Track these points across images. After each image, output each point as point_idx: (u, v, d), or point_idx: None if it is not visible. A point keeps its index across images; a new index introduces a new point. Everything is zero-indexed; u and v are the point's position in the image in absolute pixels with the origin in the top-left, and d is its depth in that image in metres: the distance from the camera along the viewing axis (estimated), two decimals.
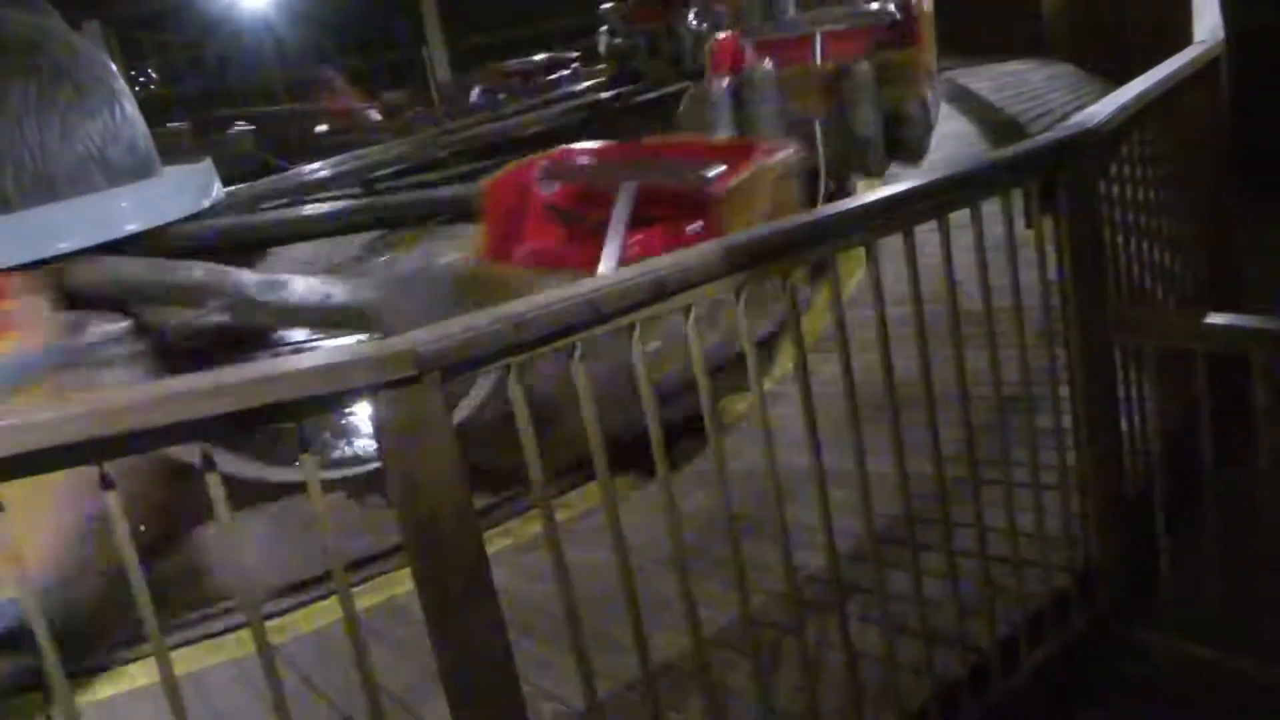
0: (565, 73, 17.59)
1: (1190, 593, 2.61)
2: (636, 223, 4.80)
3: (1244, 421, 2.48)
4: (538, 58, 18.52)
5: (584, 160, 5.80)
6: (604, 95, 13.22)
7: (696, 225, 4.73)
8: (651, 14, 14.06)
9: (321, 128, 17.69)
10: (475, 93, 17.80)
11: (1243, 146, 4.49)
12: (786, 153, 5.19)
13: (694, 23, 12.67)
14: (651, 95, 12.21)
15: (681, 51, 13.03)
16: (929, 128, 8.30)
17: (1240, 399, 2.49)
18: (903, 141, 7.94)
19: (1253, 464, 2.46)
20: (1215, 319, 2.50)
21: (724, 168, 4.75)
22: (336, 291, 5.67)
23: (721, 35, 8.69)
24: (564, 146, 6.00)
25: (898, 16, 8.44)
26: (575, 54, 18.54)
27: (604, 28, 15.00)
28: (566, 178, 5.60)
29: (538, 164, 5.63)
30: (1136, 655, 2.67)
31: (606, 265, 4.49)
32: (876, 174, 7.64)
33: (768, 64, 7.89)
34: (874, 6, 8.71)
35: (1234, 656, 2.48)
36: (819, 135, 7.28)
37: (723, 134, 7.79)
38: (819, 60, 8.24)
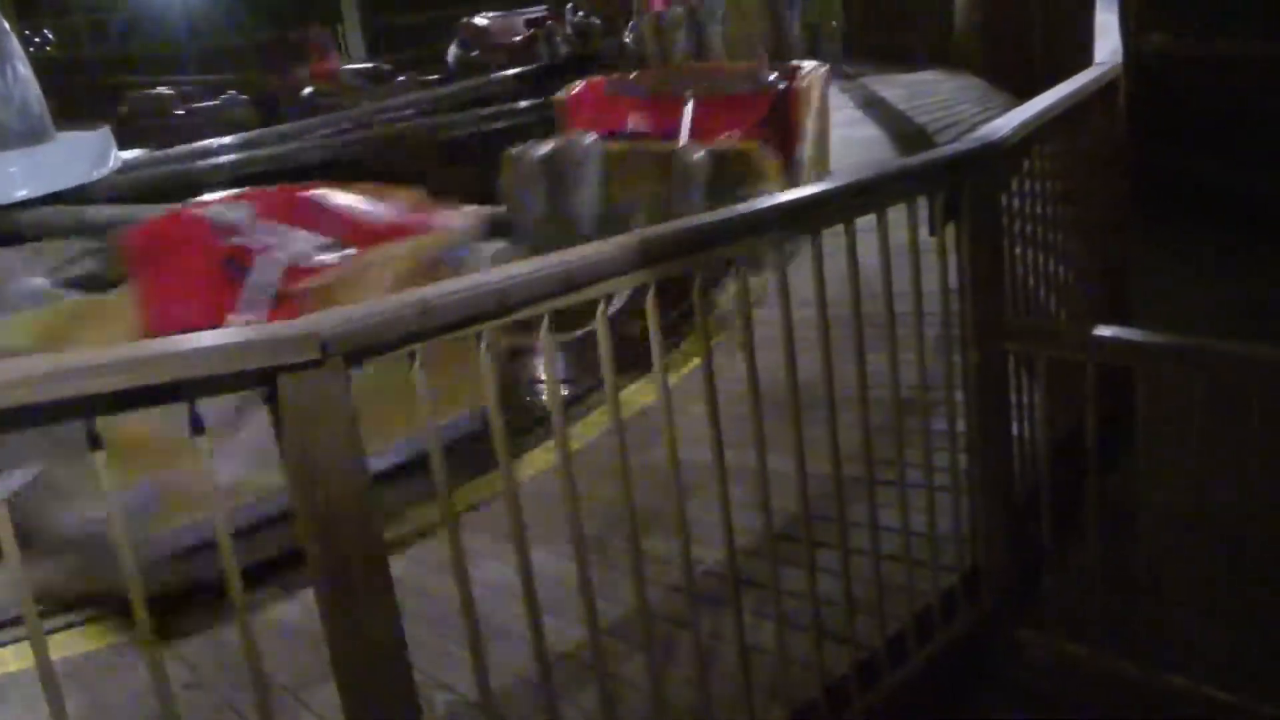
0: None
1: (1071, 594, 2.71)
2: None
3: (1128, 430, 2.58)
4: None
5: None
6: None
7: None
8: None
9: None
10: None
11: (1138, 166, 4.66)
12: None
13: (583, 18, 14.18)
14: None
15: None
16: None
17: (1126, 409, 2.59)
18: None
19: (1135, 472, 2.57)
20: (1103, 332, 2.60)
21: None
22: None
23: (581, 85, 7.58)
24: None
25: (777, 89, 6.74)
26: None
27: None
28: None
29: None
30: (1017, 654, 2.76)
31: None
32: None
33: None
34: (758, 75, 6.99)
35: (1108, 656, 2.58)
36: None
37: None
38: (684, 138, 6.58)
